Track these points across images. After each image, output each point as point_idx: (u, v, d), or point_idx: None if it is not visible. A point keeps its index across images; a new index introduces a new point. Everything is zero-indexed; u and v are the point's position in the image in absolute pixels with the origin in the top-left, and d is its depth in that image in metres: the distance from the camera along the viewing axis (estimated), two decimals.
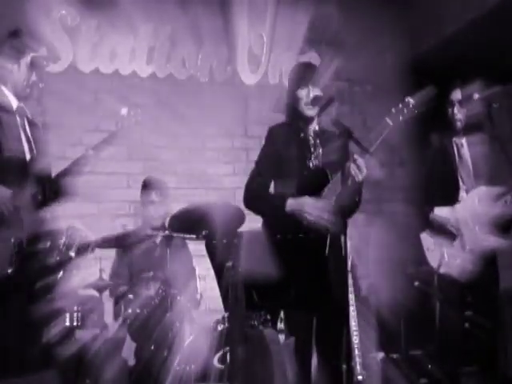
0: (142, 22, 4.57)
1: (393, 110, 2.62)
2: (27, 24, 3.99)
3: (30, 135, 2.67)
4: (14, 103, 2.65)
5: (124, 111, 2.91)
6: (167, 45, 4.71)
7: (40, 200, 2.59)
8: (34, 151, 2.65)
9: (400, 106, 2.61)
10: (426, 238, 3.27)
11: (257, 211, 2.83)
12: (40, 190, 2.59)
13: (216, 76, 4.83)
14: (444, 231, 3.17)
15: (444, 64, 4.63)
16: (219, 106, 4.73)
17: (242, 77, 4.88)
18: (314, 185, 2.68)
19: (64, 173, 2.70)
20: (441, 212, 3.22)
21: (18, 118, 2.64)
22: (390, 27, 5.10)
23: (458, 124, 3.27)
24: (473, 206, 3.15)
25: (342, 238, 2.58)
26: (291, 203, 2.64)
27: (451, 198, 3.24)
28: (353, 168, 2.51)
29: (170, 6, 4.63)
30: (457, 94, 3.27)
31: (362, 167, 2.53)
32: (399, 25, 5.07)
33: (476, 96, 3.08)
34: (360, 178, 2.54)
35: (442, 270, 3.15)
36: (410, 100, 2.61)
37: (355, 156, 2.51)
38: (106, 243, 3.44)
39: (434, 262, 3.20)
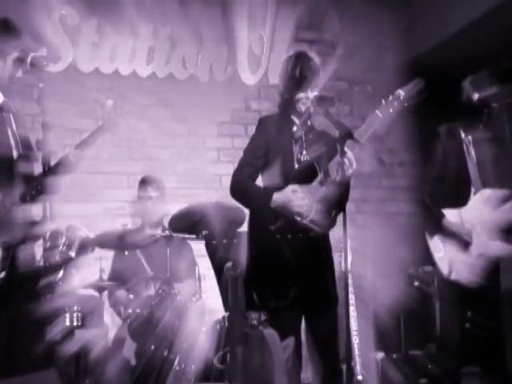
0: (142, 22, 4.57)
1: (383, 101, 2.62)
2: (27, 24, 4.00)
3: (15, 131, 2.58)
4: (0, 98, 2.56)
5: (109, 103, 2.84)
6: (167, 45, 4.71)
7: (28, 201, 2.48)
8: (20, 148, 2.56)
9: (390, 98, 2.62)
10: (436, 244, 3.15)
11: (241, 202, 2.84)
12: (27, 190, 2.49)
13: (216, 76, 4.83)
14: (457, 238, 3.07)
15: (444, 64, 4.63)
16: (219, 106, 4.74)
17: (242, 77, 4.89)
18: (302, 179, 2.69)
19: (50, 171, 2.55)
20: (452, 216, 3.10)
21: (3, 114, 2.56)
22: (390, 27, 5.11)
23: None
24: (479, 210, 3.05)
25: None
26: (276, 199, 2.64)
27: (462, 200, 3.12)
28: (343, 162, 2.51)
29: (170, 6, 4.63)
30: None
31: (351, 161, 2.54)
32: (399, 25, 5.07)
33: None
34: (350, 171, 2.56)
35: (452, 277, 3.06)
36: (401, 92, 2.61)
37: (345, 149, 2.50)
38: (106, 244, 3.44)
39: (444, 268, 3.09)
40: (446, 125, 3.25)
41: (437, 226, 3.11)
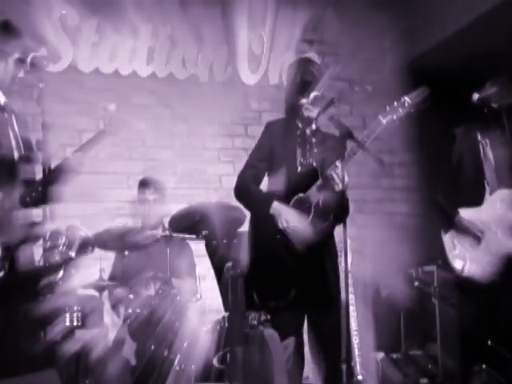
0: (142, 22, 4.57)
1: (387, 108, 2.63)
2: (27, 24, 4.00)
3: (17, 132, 2.57)
4: (2, 99, 2.56)
5: (112, 107, 2.82)
6: (167, 45, 4.72)
7: (28, 202, 2.45)
8: (22, 149, 2.55)
9: (395, 104, 2.62)
10: (450, 240, 3.18)
11: (243, 205, 2.87)
12: (28, 192, 2.47)
13: (216, 76, 4.83)
14: (470, 234, 3.09)
15: (443, 65, 4.63)
16: (219, 105, 4.74)
17: (242, 77, 4.89)
18: (303, 183, 2.71)
19: (51, 174, 2.49)
20: (465, 214, 3.13)
21: (5, 115, 2.55)
22: (390, 27, 5.11)
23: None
24: (495, 208, 3.08)
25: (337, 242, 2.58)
26: (275, 208, 2.68)
27: (476, 200, 3.14)
28: (333, 177, 2.54)
29: (170, 6, 4.63)
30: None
31: (341, 176, 2.53)
32: (399, 25, 5.07)
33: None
34: (340, 187, 2.55)
35: (465, 273, 3.08)
36: (407, 99, 2.61)
37: (336, 164, 2.53)
38: (107, 244, 3.44)
39: (457, 264, 3.12)
40: (462, 127, 3.27)
41: (450, 223, 3.15)
